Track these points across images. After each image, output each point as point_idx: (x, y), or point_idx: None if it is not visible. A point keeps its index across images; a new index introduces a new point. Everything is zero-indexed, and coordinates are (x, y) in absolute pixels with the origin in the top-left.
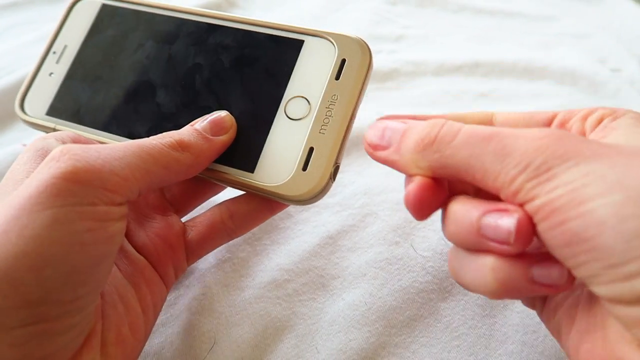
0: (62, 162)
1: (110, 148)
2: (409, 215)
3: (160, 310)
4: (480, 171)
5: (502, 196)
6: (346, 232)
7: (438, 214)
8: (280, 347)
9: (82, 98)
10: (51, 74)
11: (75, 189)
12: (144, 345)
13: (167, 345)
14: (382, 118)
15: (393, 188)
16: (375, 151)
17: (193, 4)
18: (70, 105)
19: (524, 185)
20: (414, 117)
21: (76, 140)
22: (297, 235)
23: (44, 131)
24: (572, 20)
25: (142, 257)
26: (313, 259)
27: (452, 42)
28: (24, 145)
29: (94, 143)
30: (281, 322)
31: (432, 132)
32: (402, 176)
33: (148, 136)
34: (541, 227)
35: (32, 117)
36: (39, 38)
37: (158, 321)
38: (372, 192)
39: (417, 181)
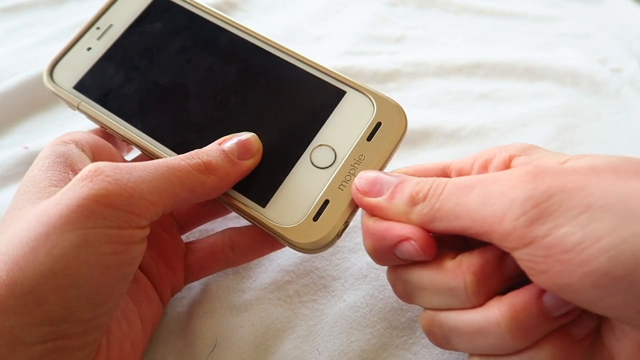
0: (95, 184)
1: (140, 169)
2: None
3: (157, 326)
4: (467, 218)
5: (493, 240)
6: (347, 233)
7: None
8: (282, 348)
9: (114, 82)
10: (89, 48)
11: (106, 212)
12: (141, 358)
13: (169, 348)
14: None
15: None
16: (365, 196)
17: None
18: (100, 85)
19: (515, 227)
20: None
21: (94, 146)
22: None
23: (66, 104)
24: (572, 21)
25: (144, 276)
26: (314, 260)
27: (453, 43)
28: (26, 147)
29: (114, 154)
30: (282, 323)
31: (424, 188)
32: None
33: (170, 141)
34: (555, 271)
35: (58, 87)
36: (40, 41)
37: (160, 323)
38: None
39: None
